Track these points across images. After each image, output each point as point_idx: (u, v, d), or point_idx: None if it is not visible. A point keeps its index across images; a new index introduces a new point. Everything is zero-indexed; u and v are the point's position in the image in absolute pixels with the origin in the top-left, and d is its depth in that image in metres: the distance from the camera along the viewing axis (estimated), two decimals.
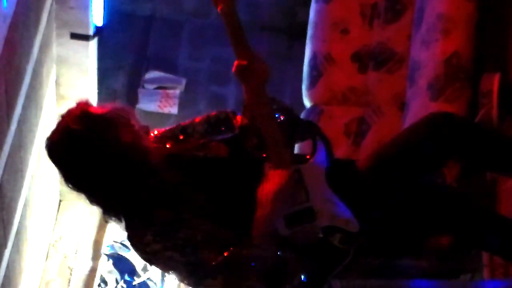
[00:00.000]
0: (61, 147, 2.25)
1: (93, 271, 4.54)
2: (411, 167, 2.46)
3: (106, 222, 2.40)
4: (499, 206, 2.92)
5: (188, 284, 2.28)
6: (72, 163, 2.25)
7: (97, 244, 4.64)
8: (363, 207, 2.36)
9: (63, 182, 2.32)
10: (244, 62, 2.30)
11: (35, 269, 4.19)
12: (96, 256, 4.59)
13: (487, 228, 2.50)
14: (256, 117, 2.36)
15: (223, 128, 2.46)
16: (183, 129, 2.49)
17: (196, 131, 2.48)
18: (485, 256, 2.91)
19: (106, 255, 4.55)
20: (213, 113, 2.52)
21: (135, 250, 2.35)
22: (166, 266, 2.29)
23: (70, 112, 2.28)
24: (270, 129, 2.31)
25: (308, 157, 2.41)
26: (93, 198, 2.33)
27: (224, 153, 2.41)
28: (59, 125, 2.28)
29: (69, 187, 2.31)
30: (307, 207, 2.30)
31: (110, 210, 2.36)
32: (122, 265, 4.53)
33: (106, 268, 4.51)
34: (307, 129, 2.48)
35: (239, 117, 2.48)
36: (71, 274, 4.52)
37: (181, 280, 2.30)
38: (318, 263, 2.30)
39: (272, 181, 2.27)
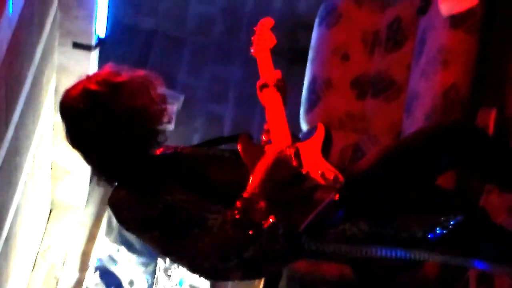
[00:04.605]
0: (76, 102, 2.33)
1: (79, 282, 4.52)
2: (416, 171, 2.41)
3: (97, 185, 2.46)
4: None
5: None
6: (84, 119, 2.32)
7: (85, 256, 4.62)
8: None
9: (65, 137, 2.38)
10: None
11: (21, 277, 4.18)
12: (83, 267, 4.58)
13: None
14: (266, 99, 2.65)
15: None
16: None
17: None
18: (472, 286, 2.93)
19: (94, 267, 4.54)
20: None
21: (113, 212, 2.38)
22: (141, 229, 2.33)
23: (95, 75, 2.40)
24: (277, 111, 2.59)
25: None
26: (92, 157, 2.40)
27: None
28: (80, 82, 2.38)
29: (70, 142, 2.38)
30: (298, 173, 2.40)
31: (105, 173, 2.42)
32: (108, 278, 4.53)
33: (92, 280, 4.50)
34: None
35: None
36: (57, 284, 4.49)
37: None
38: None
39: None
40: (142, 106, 2.37)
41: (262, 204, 2.25)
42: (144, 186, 2.34)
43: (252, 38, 2.86)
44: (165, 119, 2.44)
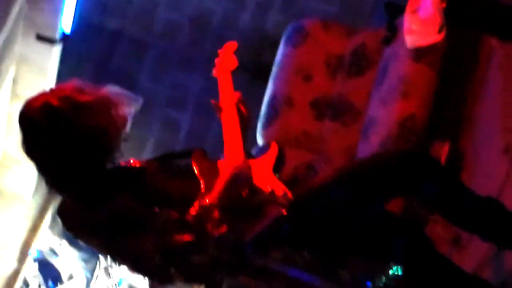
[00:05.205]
0: (36, 115, 2.32)
1: (16, 272, 4.48)
2: (367, 194, 2.46)
3: (48, 193, 2.45)
4: None
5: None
6: (41, 133, 2.32)
7: (25, 247, 4.59)
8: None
9: (20, 145, 2.36)
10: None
11: None
12: (22, 258, 4.54)
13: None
14: (222, 117, 2.62)
15: None
16: None
17: None
18: None
19: (33, 258, 4.50)
20: None
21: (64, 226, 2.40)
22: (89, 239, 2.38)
23: (58, 89, 2.38)
24: (232, 129, 2.57)
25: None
26: (44, 169, 2.38)
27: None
28: (43, 95, 2.36)
29: (24, 151, 2.36)
30: (251, 187, 2.42)
31: (57, 185, 2.40)
32: (47, 270, 4.50)
33: (31, 271, 4.46)
34: None
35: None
36: None
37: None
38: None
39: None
40: (102, 127, 2.37)
41: (216, 214, 2.27)
42: (93, 196, 2.34)
43: (215, 60, 2.90)
44: (123, 139, 2.44)
